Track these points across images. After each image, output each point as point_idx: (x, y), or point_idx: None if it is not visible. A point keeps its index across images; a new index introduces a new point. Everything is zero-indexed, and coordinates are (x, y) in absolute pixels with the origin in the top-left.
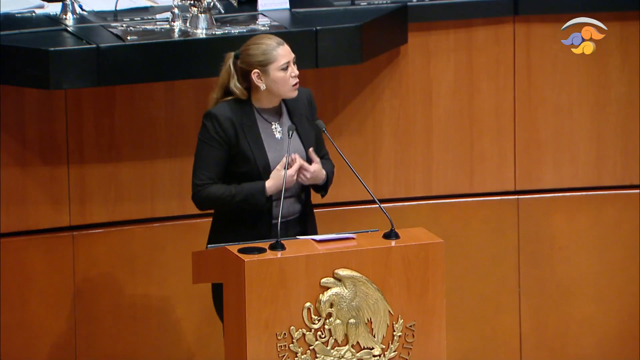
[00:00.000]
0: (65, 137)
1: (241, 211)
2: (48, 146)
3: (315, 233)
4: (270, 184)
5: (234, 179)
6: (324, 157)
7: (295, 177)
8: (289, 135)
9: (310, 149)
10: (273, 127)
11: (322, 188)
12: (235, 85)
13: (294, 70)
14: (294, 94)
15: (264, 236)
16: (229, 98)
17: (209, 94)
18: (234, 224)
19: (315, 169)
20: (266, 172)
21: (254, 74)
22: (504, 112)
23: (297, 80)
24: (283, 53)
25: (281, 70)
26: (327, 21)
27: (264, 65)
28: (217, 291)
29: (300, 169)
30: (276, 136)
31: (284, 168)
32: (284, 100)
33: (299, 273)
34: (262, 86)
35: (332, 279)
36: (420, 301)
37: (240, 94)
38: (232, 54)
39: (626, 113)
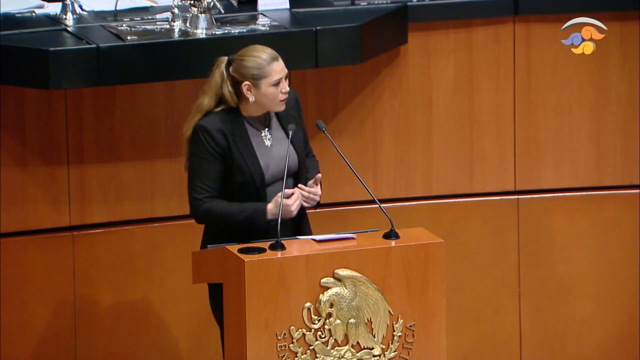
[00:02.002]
0: (65, 137)
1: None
2: (48, 146)
3: (310, 234)
4: (271, 208)
5: (230, 189)
6: (308, 154)
7: (294, 211)
8: (288, 136)
9: (319, 175)
10: (262, 134)
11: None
12: (228, 90)
13: (284, 86)
14: (281, 108)
15: (260, 237)
16: (219, 109)
17: (196, 101)
18: (230, 230)
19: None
20: (261, 182)
21: (245, 86)
22: (504, 112)
23: (286, 95)
24: (277, 69)
25: (272, 86)
26: (327, 21)
27: (256, 79)
28: (214, 295)
29: (307, 193)
30: (266, 144)
31: (284, 180)
32: None
33: (299, 273)
34: (251, 98)
35: (332, 279)
36: (420, 301)
37: (231, 100)
38: (225, 58)
39: (626, 113)
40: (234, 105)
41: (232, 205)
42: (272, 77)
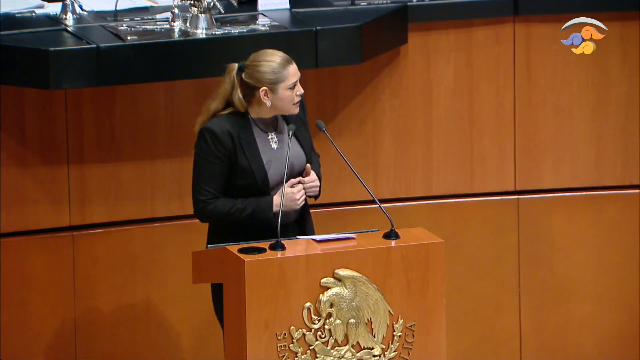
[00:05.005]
0: (65, 137)
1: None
2: (48, 146)
3: (313, 234)
4: (277, 199)
5: (234, 191)
6: (312, 150)
7: (300, 201)
8: (289, 136)
9: (308, 165)
10: (269, 137)
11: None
12: (238, 97)
13: (299, 88)
14: (296, 110)
15: (265, 233)
16: (226, 112)
17: (206, 100)
18: (234, 227)
19: (315, 178)
20: (265, 185)
21: (262, 91)
22: (504, 112)
23: (300, 98)
24: (292, 72)
25: (289, 89)
26: (327, 21)
27: (273, 84)
28: (217, 294)
29: (306, 183)
30: (272, 146)
31: (285, 181)
32: None
33: (299, 273)
34: (268, 103)
35: (332, 279)
36: (420, 301)
37: (241, 106)
38: (236, 65)
39: (626, 113)
40: (242, 110)
41: (235, 203)
42: (288, 81)
